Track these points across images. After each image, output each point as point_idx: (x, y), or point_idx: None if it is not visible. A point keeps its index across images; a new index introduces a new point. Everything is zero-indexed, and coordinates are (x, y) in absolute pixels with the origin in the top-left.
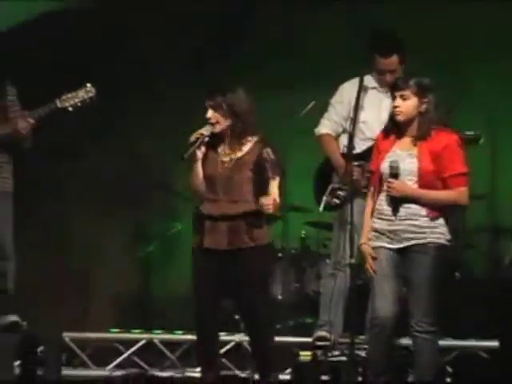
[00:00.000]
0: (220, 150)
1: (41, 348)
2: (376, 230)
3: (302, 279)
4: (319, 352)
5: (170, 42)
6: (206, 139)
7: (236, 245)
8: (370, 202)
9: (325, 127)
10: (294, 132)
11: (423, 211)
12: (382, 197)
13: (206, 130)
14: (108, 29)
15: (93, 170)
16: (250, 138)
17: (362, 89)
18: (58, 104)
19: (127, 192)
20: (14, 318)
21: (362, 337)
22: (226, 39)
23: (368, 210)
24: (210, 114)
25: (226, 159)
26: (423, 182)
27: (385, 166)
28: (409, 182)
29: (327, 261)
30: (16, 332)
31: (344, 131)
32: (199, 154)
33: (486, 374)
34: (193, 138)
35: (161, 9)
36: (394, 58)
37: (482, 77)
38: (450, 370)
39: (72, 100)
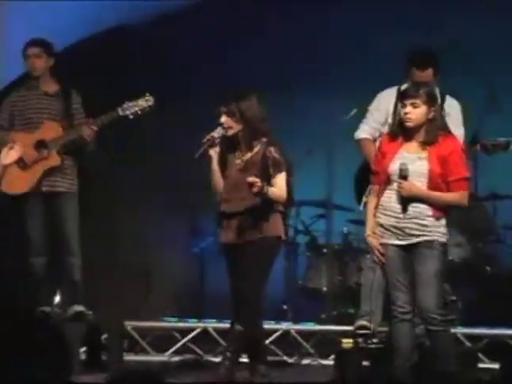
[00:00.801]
0: (235, 153)
1: (105, 336)
2: (381, 225)
3: (345, 272)
4: (360, 340)
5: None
6: (217, 141)
7: (243, 238)
8: (373, 198)
9: (364, 132)
10: (338, 136)
11: (429, 211)
12: (390, 194)
13: (217, 133)
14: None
15: (151, 165)
16: (259, 141)
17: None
18: (120, 112)
19: (183, 191)
20: (80, 308)
21: None
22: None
23: (371, 206)
24: (223, 119)
25: (238, 161)
26: (432, 184)
27: (394, 167)
28: (418, 183)
29: (367, 255)
30: (82, 321)
31: (381, 135)
32: (213, 154)
33: None
34: (204, 139)
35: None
36: (430, 71)
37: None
38: (481, 356)
39: (132, 108)
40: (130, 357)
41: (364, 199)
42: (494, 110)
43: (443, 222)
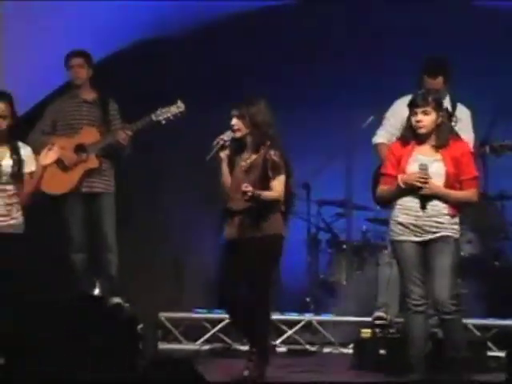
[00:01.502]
0: (241, 154)
1: (140, 326)
2: (401, 224)
3: (363, 267)
4: (378, 330)
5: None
6: (227, 143)
7: (245, 235)
8: (384, 186)
9: (380, 137)
10: (357, 141)
11: (446, 210)
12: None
13: (226, 136)
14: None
15: (185, 162)
16: (265, 144)
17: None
18: (153, 118)
19: (215, 189)
20: (117, 300)
21: None
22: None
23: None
24: (234, 121)
25: (243, 163)
26: (448, 183)
27: (413, 169)
28: (436, 183)
29: (384, 251)
30: (120, 312)
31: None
32: (223, 155)
33: None
34: (214, 143)
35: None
36: (440, 79)
37: None
38: (490, 345)
39: (165, 114)
40: (163, 345)
41: None
42: (504, 115)
43: (457, 219)
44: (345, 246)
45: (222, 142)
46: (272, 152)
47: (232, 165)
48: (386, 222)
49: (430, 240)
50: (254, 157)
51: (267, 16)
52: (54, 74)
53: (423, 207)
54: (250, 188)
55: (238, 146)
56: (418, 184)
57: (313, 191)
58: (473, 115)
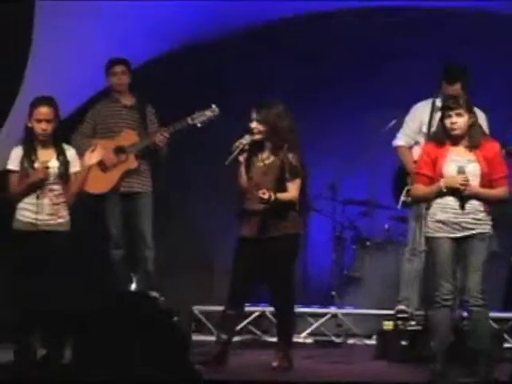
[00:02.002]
0: (259, 156)
1: (175, 318)
2: (440, 221)
3: (386, 263)
4: (399, 322)
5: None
6: (246, 147)
7: (265, 234)
8: (422, 186)
9: (401, 140)
10: (380, 144)
11: (482, 207)
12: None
13: (245, 139)
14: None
15: (216, 165)
16: (282, 147)
17: (434, 109)
18: (189, 121)
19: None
20: (154, 294)
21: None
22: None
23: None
24: (254, 124)
25: (261, 164)
26: (482, 182)
27: (451, 169)
28: (473, 183)
29: (405, 248)
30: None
31: (416, 143)
32: (241, 159)
33: None
34: (234, 147)
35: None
36: (458, 85)
37: None
38: (506, 336)
39: (200, 117)
40: (197, 337)
41: (402, 199)
42: None
43: (489, 216)
44: (368, 243)
45: (241, 146)
46: (290, 155)
47: (248, 165)
48: (406, 220)
49: (467, 236)
50: (271, 158)
51: (295, 23)
52: (91, 80)
53: (462, 207)
54: (266, 196)
55: (254, 147)
56: (460, 187)
57: (339, 191)
58: (488, 120)
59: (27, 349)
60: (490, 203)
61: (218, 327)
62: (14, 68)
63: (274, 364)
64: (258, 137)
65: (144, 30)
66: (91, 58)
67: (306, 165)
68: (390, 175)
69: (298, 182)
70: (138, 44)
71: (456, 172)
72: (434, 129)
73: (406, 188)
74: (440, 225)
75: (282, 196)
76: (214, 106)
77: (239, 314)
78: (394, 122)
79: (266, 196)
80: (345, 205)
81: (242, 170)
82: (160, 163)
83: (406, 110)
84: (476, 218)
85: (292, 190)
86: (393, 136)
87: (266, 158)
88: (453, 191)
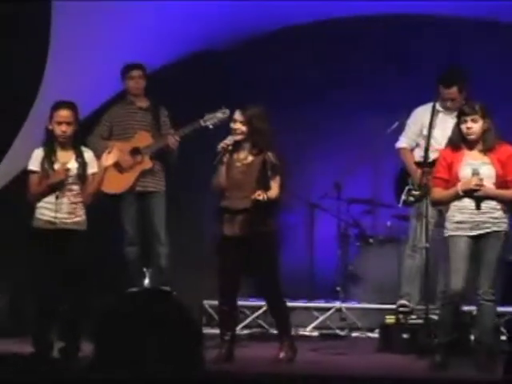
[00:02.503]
0: (235, 156)
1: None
2: (458, 222)
3: (388, 259)
4: (401, 316)
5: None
6: (230, 147)
7: (247, 232)
8: (441, 190)
9: (403, 142)
10: (382, 146)
11: (498, 206)
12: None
13: (228, 140)
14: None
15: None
16: (262, 147)
17: (434, 112)
18: (202, 123)
19: None
20: (166, 289)
21: (432, 306)
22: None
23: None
24: (237, 125)
25: (239, 164)
26: (497, 184)
27: (466, 172)
28: (488, 185)
29: (407, 245)
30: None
31: (417, 145)
32: (224, 159)
33: None
34: (219, 148)
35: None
36: (454, 89)
37: None
38: (503, 330)
39: (212, 120)
40: (207, 330)
41: (403, 198)
42: None
43: (506, 215)
44: (371, 240)
45: (225, 147)
46: (270, 154)
47: (227, 165)
48: (408, 218)
49: (484, 234)
50: (250, 158)
51: (304, 28)
52: (106, 84)
53: (478, 207)
54: (261, 197)
55: (233, 148)
56: (475, 187)
57: (343, 190)
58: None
59: (45, 341)
60: (505, 203)
61: (218, 326)
62: (32, 71)
63: (281, 355)
64: (239, 137)
65: (158, 36)
66: (107, 61)
67: (286, 163)
68: (392, 175)
69: (278, 179)
70: (153, 48)
71: (470, 174)
72: (434, 131)
73: (406, 188)
74: (458, 225)
75: (269, 194)
76: (223, 107)
77: (232, 309)
78: (396, 124)
79: (261, 197)
80: (349, 203)
81: (223, 169)
82: (171, 164)
83: (408, 112)
84: (493, 217)
85: (275, 188)
86: (395, 138)
87: (243, 158)
88: (468, 193)
